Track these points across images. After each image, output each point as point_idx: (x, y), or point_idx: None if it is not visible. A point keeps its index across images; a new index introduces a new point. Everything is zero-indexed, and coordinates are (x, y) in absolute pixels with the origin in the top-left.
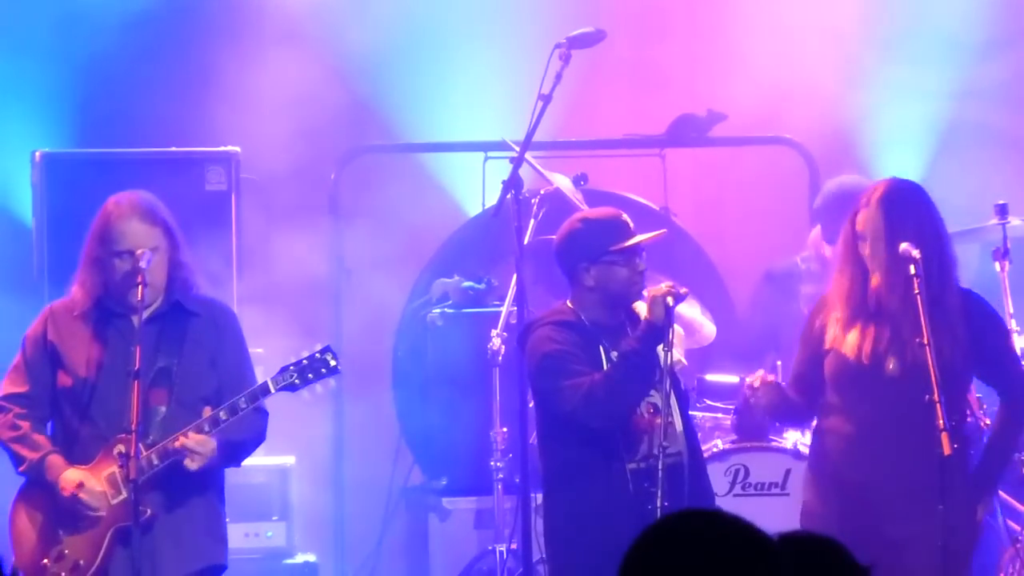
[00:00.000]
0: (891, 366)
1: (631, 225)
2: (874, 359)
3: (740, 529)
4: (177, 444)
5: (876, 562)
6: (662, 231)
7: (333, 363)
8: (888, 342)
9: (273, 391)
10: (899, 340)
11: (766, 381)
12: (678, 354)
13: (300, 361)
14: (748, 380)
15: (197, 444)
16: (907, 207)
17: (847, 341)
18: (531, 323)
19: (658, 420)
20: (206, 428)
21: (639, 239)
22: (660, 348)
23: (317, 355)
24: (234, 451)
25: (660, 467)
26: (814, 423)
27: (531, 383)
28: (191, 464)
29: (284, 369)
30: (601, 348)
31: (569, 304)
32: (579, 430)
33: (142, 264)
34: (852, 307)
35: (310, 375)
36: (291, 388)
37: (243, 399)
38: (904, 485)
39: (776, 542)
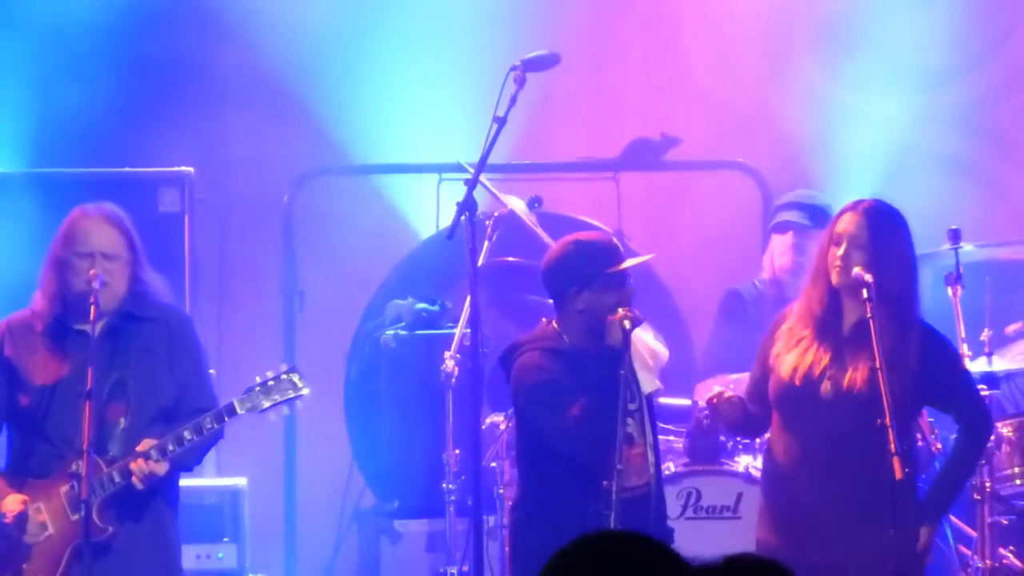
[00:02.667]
0: (825, 389)
1: (621, 249)
2: (807, 381)
3: (657, 552)
4: (133, 476)
5: None
6: (651, 255)
7: (300, 384)
8: (827, 365)
9: (240, 412)
10: (839, 363)
11: (725, 398)
12: (655, 379)
13: (266, 381)
14: (708, 396)
15: (150, 469)
16: (893, 229)
17: (786, 360)
18: (516, 345)
19: (634, 450)
20: (170, 448)
21: (632, 262)
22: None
23: (283, 376)
24: (186, 460)
25: (613, 491)
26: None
27: (517, 410)
28: (139, 485)
29: (250, 389)
30: (584, 375)
31: (555, 326)
32: (562, 460)
33: (95, 285)
34: (808, 324)
35: (276, 396)
36: (259, 410)
37: (208, 419)
38: (844, 510)
39: (691, 567)
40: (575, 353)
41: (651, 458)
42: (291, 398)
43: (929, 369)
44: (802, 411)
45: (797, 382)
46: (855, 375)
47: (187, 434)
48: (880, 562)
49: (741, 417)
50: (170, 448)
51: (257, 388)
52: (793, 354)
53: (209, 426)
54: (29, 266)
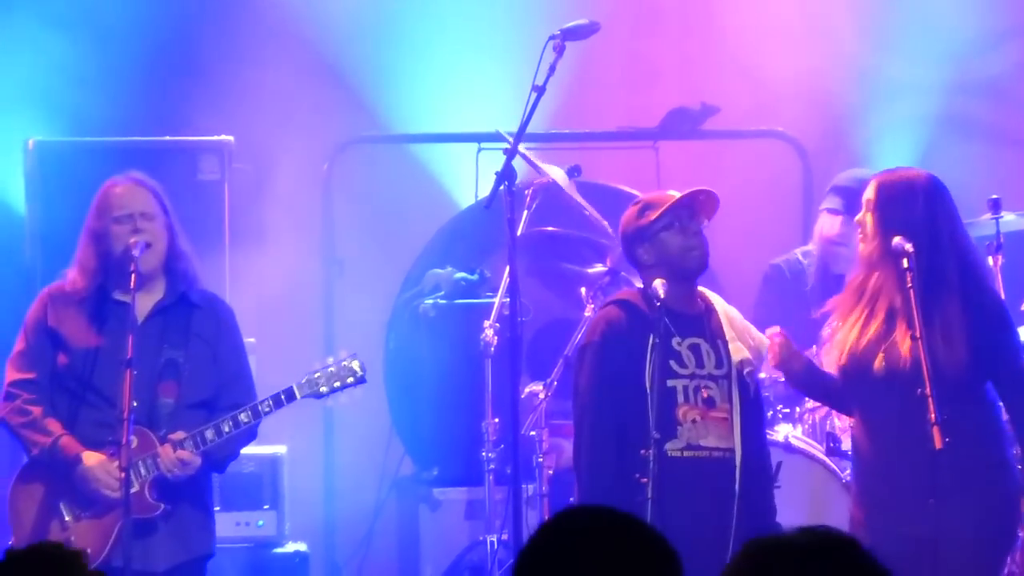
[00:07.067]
0: (878, 364)
1: (677, 195)
2: (864, 357)
3: (637, 528)
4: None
5: (905, 563)
6: (703, 188)
7: (360, 372)
8: (878, 340)
9: (299, 397)
10: (889, 338)
11: (784, 344)
12: (745, 350)
13: (326, 367)
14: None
15: (180, 459)
16: (896, 203)
17: (837, 339)
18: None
19: (714, 413)
20: (226, 429)
21: (673, 197)
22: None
23: (344, 362)
24: (222, 454)
25: (651, 457)
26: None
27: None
28: (168, 474)
29: (310, 374)
30: (651, 337)
31: (639, 285)
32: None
33: (135, 252)
34: (853, 305)
35: (336, 383)
36: (317, 396)
37: (268, 402)
38: (910, 483)
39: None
40: (650, 315)
41: (738, 424)
42: (350, 384)
43: (978, 336)
44: (859, 388)
45: (856, 358)
46: (903, 348)
47: (244, 417)
48: (957, 534)
49: (812, 378)
50: (209, 437)
51: (317, 373)
52: (844, 332)
53: (267, 409)
54: (70, 235)
